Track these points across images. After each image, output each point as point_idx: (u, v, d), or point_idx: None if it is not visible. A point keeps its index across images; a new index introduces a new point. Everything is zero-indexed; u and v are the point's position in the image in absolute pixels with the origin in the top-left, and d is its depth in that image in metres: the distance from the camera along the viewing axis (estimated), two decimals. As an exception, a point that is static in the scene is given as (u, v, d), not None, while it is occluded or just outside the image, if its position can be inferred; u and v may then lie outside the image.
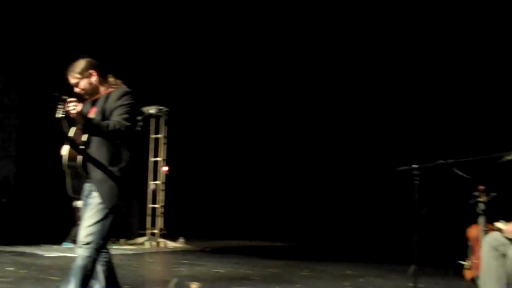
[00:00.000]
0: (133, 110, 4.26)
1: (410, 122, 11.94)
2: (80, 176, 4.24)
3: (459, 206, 4.92)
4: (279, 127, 13.79)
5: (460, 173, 4.20)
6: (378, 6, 11.46)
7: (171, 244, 11.37)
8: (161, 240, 11.46)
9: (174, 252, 10.67)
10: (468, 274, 4.52)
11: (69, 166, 4.20)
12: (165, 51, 12.54)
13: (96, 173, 4.19)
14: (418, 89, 11.81)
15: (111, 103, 4.23)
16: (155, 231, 11.73)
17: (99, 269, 4.33)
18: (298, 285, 6.67)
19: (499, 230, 3.90)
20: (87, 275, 4.14)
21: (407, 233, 4.62)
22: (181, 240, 11.62)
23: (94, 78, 4.33)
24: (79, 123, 4.09)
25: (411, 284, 4.42)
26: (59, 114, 3.96)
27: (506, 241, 3.80)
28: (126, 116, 4.17)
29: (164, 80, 12.42)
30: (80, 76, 4.31)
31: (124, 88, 4.34)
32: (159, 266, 8.91)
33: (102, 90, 4.35)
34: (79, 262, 4.10)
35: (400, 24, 11.53)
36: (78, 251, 4.12)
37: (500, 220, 3.96)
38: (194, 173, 13.91)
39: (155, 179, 12.01)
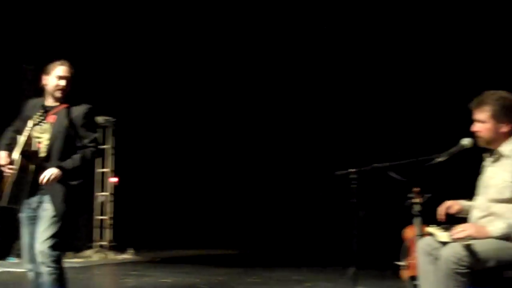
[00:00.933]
0: (96, 129, 4.53)
1: (347, 127, 12.09)
2: (22, 187, 4.21)
3: (396, 208, 5.02)
4: (223, 134, 13.78)
5: (395, 176, 4.30)
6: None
7: (119, 256, 11.26)
8: (109, 252, 11.34)
9: (122, 263, 10.56)
10: (404, 274, 4.62)
11: (19, 177, 4.17)
12: (112, 60, 12.45)
13: (52, 185, 4.18)
14: (354, 94, 11.96)
15: (79, 119, 4.32)
16: (104, 243, 11.59)
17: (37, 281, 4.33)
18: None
19: (432, 234, 3.98)
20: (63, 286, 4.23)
21: (347, 236, 4.70)
22: (130, 251, 11.51)
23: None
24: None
25: (352, 287, 4.49)
26: (35, 121, 4.15)
27: (439, 245, 3.89)
28: (94, 138, 4.36)
29: (110, 89, 12.31)
30: (71, 74, 4.41)
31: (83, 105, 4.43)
32: (107, 278, 8.83)
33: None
34: (48, 278, 4.18)
35: (322, 34, 11.65)
36: (42, 269, 4.18)
37: (432, 225, 4.05)
38: (143, 183, 13.82)
39: (102, 190, 11.89)
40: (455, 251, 3.67)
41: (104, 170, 11.88)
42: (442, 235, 3.87)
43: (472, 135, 4.11)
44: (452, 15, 10.08)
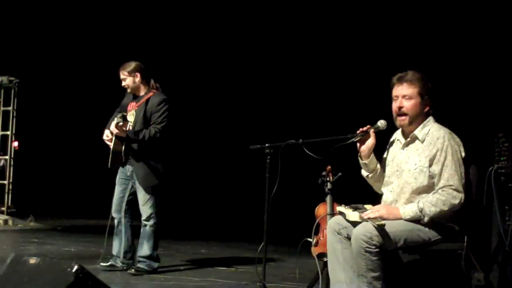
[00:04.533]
0: (167, 116, 5.67)
1: (264, 102, 12.12)
2: (119, 155, 5.66)
3: (309, 185, 5.07)
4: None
5: (309, 153, 4.31)
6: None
7: (20, 222, 10.89)
8: (9, 218, 10.94)
9: (23, 230, 10.23)
10: (314, 251, 4.67)
11: (114, 145, 5.65)
12: (18, 21, 11.90)
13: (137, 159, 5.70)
14: (272, 70, 11.98)
15: (153, 106, 5.64)
16: (3, 208, 11.16)
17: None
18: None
19: (341, 214, 4.03)
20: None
21: (259, 211, 4.70)
22: (31, 218, 11.15)
23: (137, 79, 5.73)
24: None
25: (261, 262, 4.50)
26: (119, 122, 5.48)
27: (348, 224, 3.94)
28: (162, 123, 5.62)
29: (15, 49, 11.78)
30: (127, 74, 5.72)
31: (162, 94, 5.75)
32: (5, 244, 8.48)
33: (142, 89, 5.77)
34: (148, 230, 5.77)
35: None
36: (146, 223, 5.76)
37: (343, 204, 4.10)
38: (46, 148, 13.37)
39: (3, 154, 11.41)
40: (367, 230, 3.73)
41: (6, 133, 11.39)
42: (352, 214, 3.92)
43: (387, 116, 4.17)
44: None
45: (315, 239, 4.68)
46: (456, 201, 3.77)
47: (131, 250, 5.91)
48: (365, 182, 4.36)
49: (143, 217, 5.78)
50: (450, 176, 3.80)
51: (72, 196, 13.17)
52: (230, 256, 7.38)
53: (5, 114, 11.43)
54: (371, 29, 10.35)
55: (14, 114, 11.41)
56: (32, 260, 3.30)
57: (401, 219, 3.81)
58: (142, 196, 5.77)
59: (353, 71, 10.70)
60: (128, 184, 5.86)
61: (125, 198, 5.86)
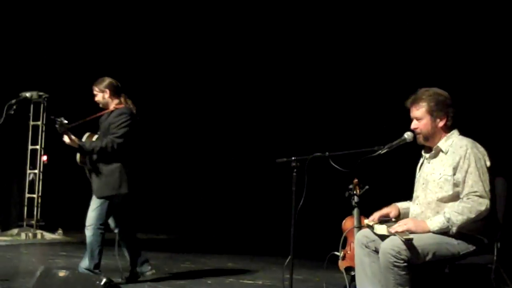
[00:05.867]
0: (125, 127, 5.67)
1: (290, 115, 12.09)
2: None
3: (336, 198, 5.05)
4: (161, 117, 13.56)
5: (336, 166, 4.30)
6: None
7: (48, 236, 10.99)
8: (38, 231, 11.05)
9: (51, 243, 10.32)
10: (341, 265, 4.65)
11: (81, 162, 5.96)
12: (48, 36, 12.05)
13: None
14: (298, 83, 11.96)
15: (112, 118, 5.73)
16: (32, 222, 11.28)
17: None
18: (178, 277, 6.64)
19: (369, 227, 4.01)
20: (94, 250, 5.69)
21: (286, 224, 4.69)
22: (60, 231, 11.25)
23: (107, 95, 5.88)
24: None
25: (288, 276, 4.50)
26: (60, 131, 5.83)
27: (376, 237, 3.92)
28: (116, 134, 5.63)
29: (44, 65, 11.93)
30: (98, 90, 5.94)
31: (125, 107, 5.81)
32: (34, 257, 8.56)
33: (111, 105, 5.88)
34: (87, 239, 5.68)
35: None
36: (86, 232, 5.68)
37: (370, 217, 4.08)
38: (74, 162, 13.45)
39: (33, 168, 11.56)
40: (394, 244, 3.70)
41: (35, 147, 11.54)
42: (380, 228, 3.91)
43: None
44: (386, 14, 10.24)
45: (342, 253, 4.67)
46: (482, 208, 3.74)
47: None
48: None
49: (87, 223, 5.73)
50: (474, 183, 3.78)
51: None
52: (256, 269, 7.36)
53: (35, 128, 11.57)
54: (397, 41, 10.31)
55: (43, 129, 11.56)
56: (61, 273, 3.34)
57: (429, 232, 3.78)
58: (92, 203, 5.75)
59: (380, 84, 10.64)
60: None
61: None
